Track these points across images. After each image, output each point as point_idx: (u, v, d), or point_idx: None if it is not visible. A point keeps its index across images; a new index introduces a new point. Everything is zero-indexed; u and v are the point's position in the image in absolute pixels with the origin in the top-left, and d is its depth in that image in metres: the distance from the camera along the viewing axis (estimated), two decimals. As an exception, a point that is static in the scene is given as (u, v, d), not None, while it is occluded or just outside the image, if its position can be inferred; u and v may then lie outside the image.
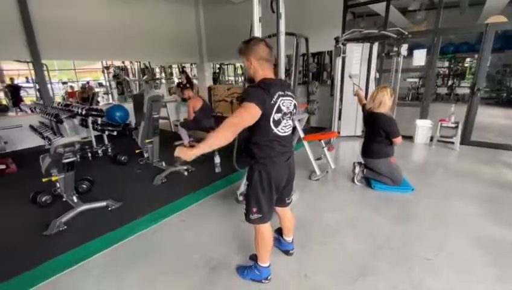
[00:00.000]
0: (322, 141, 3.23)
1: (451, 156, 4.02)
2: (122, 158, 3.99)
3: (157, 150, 3.79)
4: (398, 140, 2.75)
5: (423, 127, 4.46)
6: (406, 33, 4.05)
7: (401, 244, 2.02)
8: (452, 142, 4.25)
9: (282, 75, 2.50)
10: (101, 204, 2.66)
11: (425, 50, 4.41)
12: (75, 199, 2.66)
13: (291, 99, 1.46)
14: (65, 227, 2.34)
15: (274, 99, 1.33)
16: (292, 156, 1.58)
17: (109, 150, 4.46)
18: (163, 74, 11.44)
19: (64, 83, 12.46)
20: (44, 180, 2.57)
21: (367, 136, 3.00)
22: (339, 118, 4.98)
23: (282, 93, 1.39)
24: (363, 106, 3.02)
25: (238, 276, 1.74)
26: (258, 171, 1.44)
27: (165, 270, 1.84)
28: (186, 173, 3.55)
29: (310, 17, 5.66)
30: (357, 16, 8.93)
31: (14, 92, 8.71)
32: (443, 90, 10.27)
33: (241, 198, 2.69)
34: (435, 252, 1.91)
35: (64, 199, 2.70)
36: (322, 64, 7.30)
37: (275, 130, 1.39)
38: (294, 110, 1.50)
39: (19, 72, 10.77)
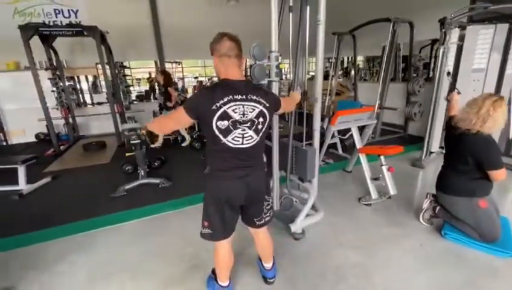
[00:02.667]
0: (382, 157, 2.51)
1: None
2: (196, 144, 4.58)
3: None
4: (499, 174, 1.75)
5: None
6: None
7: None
8: None
9: (320, 74, 2.11)
10: (156, 181, 3.19)
11: None
12: (142, 172, 3.31)
13: (256, 105, 1.21)
14: (125, 193, 2.97)
15: (218, 104, 1.14)
16: (256, 173, 1.33)
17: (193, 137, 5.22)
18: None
19: (195, 77, 15.42)
20: (127, 154, 3.35)
21: (445, 159, 2.10)
22: (444, 129, 3.69)
23: (241, 97, 1.18)
24: (450, 118, 2.11)
25: (206, 283, 1.68)
26: (209, 184, 1.32)
27: (158, 252, 2.03)
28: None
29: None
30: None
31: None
32: None
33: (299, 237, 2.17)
34: None
35: (139, 171, 3.43)
36: (435, 56, 5.52)
37: (224, 140, 1.19)
38: (261, 119, 1.24)
39: (169, 69, 14.27)
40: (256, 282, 1.69)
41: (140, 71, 12.31)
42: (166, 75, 4.69)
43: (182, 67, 11.47)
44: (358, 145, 2.78)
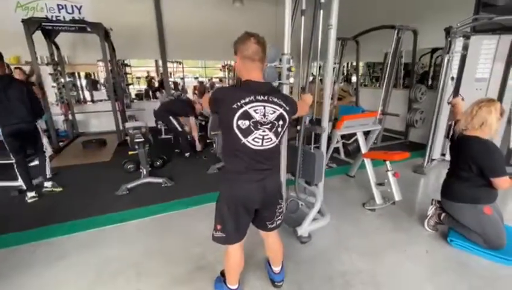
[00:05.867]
0: (388, 163, 2.52)
1: None
2: (199, 145, 4.56)
3: (221, 142, 4.09)
4: (501, 182, 1.77)
5: None
6: None
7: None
8: None
9: (329, 78, 2.12)
10: (158, 180, 3.17)
11: None
12: (145, 171, 3.28)
13: (277, 107, 1.21)
14: (127, 192, 2.94)
15: (239, 103, 1.14)
16: (273, 177, 1.33)
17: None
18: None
19: (196, 78, 15.39)
20: (130, 153, 3.32)
21: (450, 167, 2.11)
22: (447, 136, 3.72)
23: (262, 98, 1.18)
24: (455, 123, 2.13)
25: (213, 284, 1.66)
26: (224, 187, 1.30)
27: (165, 252, 2.00)
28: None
29: (423, 5, 4.45)
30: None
31: (161, 83, 11.59)
32: None
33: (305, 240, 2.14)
34: None
35: (141, 170, 3.39)
36: (434, 64, 5.60)
37: (244, 140, 1.18)
38: (281, 122, 1.23)
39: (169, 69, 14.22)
40: (263, 285, 1.68)
41: (140, 70, 12.28)
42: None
43: (183, 67, 11.45)
44: (364, 150, 2.79)
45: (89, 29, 4.47)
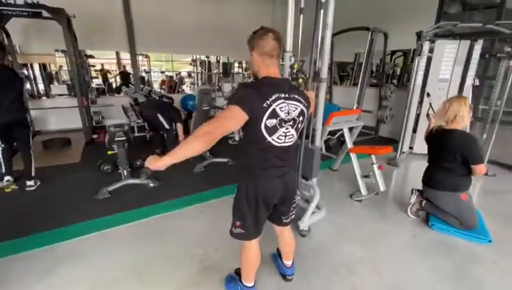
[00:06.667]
0: (373, 156, 2.70)
1: None
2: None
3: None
4: (481, 169, 2.03)
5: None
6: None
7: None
8: None
9: (325, 76, 2.19)
10: (143, 181, 2.98)
11: None
12: (125, 172, 3.05)
13: (298, 104, 1.21)
14: (109, 195, 2.71)
15: (268, 101, 1.12)
16: (291, 173, 1.34)
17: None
18: (239, 69, 12.04)
19: (162, 72, 14.63)
20: (109, 153, 3.05)
21: (431, 159, 2.35)
22: (414, 131, 4.12)
23: (285, 95, 1.17)
24: (430, 132, 2.35)
25: (223, 284, 1.63)
26: (245, 184, 1.27)
27: (165, 255, 1.90)
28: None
29: (392, 8, 4.81)
30: (470, 8, 7.11)
31: (125, 77, 10.79)
32: None
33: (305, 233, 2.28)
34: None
35: (119, 171, 3.15)
36: (405, 65, 6.15)
37: (269, 138, 1.17)
38: (301, 118, 1.25)
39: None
40: (274, 280, 1.70)
41: (100, 62, 11.29)
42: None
43: (149, 61, 10.83)
44: (350, 145, 2.95)
45: (47, 15, 3.98)
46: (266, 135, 1.16)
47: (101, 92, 8.08)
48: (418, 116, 3.96)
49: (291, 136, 1.23)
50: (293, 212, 1.49)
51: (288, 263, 1.65)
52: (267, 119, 1.13)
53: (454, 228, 2.16)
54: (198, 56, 12.05)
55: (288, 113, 1.18)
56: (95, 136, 4.92)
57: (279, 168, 1.26)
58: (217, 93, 5.98)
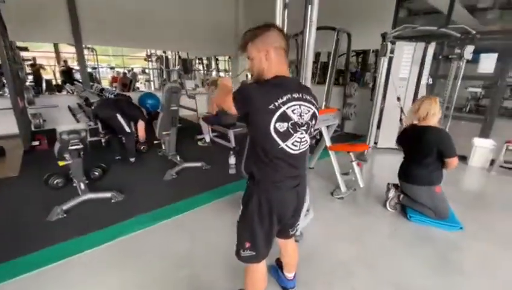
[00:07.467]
0: (352, 154, 2.76)
1: (517, 188, 3.25)
2: (141, 147, 3.96)
3: (173, 143, 3.66)
4: (454, 162, 2.20)
5: (483, 148, 3.69)
6: (474, 32, 3.32)
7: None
8: (520, 171, 3.44)
9: (309, 75, 2.13)
10: (105, 195, 2.58)
11: (496, 55, 3.60)
12: (82, 186, 2.61)
13: (310, 106, 1.09)
14: (64, 215, 2.28)
15: (277, 102, 0.99)
16: (304, 182, 1.23)
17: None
18: (200, 66, 11.56)
19: (111, 68, 13.28)
20: (61, 164, 2.56)
21: (408, 156, 2.47)
22: (378, 127, 4.38)
23: (297, 96, 1.05)
24: (404, 131, 2.49)
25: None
26: (257, 198, 1.11)
27: (144, 284, 1.64)
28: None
29: (354, 10, 5.04)
30: (413, 13, 7.92)
31: (67, 73, 9.46)
32: (509, 104, 8.70)
33: None
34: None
35: (74, 184, 2.69)
36: (366, 64, 6.59)
37: (282, 145, 1.04)
38: (314, 122, 1.13)
39: (74, 55, 11.73)
40: (274, 295, 1.59)
41: (34, 55, 9.73)
42: None
43: (97, 55, 9.74)
44: (328, 143, 2.97)
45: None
46: (279, 141, 1.03)
47: (37, 92, 6.95)
48: (381, 110, 4.21)
49: (305, 142, 1.11)
50: (298, 223, 1.39)
51: (290, 275, 1.55)
52: (276, 122, 1.00)
53: (430, 219, 2.31)
54: (153, 51, 11.24)
55: (300, 116, 1.06)
56: (35, 143, 4.18)
57: (294, 178, 1.14)
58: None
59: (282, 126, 1.02)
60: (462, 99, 8.58)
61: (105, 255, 1.89)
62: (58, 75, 10.05)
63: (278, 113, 0.99)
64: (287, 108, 1.01)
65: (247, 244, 1.16)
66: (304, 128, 1.08)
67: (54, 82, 9.49)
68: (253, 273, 1.25)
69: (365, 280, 1.71)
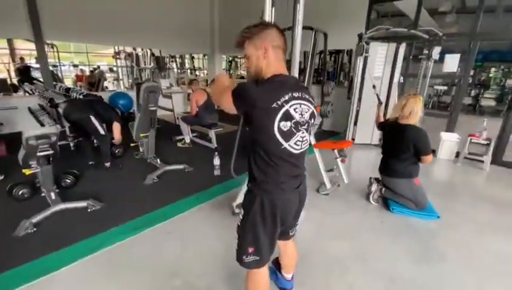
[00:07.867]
0: (336, 151, 2.83)
1: (481, 177, 3.56)
2: (116, 151, 3.71)
3: (153, 145, 3.48)
4: (429, 158, 2.35)
5: (449, 142, 3.99)
6: (441, 34, 3.57)
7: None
8: (481, 161, 3.78)
9: (296, 73, 2.15)
10: (80, 204, 2.37)
11: (459, 55, 3.91)
12: (53, 195, 2.38)
13: (309, 105, 1.07)
14: (34, 229, 2.05)
15: (280, 101, 0.96)
16: (305, 181, 1.21)
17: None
18: (173, 64, 11.16)
19: (75, 66, 12.32)
20: (27, 173, 2.29)
21: (387, 151, 2.59)
22: (355, 123, 4.56)
23: (297, 95, 1.02)
24: (381, 124, 2.62)
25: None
26: (260, 201, 1.07)
27: (135, 299, 1.53)
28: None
29: (329, 11, 5.18)
30: (381, 15, 8.37)
31: (25, 72, 8.58)
32: (466, 101, 9.58)
33: (237, 210, 2.35)
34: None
35: (43, 194, 2.44)
36: (341, 63, 6.82)
37: (285, 145, 1.01)
38: (313, 120, 1.11)
39: (31, 52, 10.68)
40: (274, 296, 1.57)
41: (-17, 52, 8.71)
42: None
43: (58, 52, 8.99)
44: (313, 141, 3.01)
45: None
46: (282, 141, 1.00)
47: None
48: (357, 112, 4.39)
49: (306, 142, 1.10)
50: (298, 223, 1.38)
51: (289, 276, 1.54)
52: (280, 121, 0.98)
53: (411, 210, 2.44)
54: (122, 48, 10.62)
55: (301, 114, 1.04)
56: (-10, 149, 3.74)
57: (296, 177, 1.13)
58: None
59: (286, 125, 0.99)
60: (426, 97, 9.27)
61: (86, 270, 1.73)
62: (13, 73, 9.10)
63: (281, 112, 0.97)
64: (289, 106, 0.99)
65: (251, 249, 1.12)
66: (305, 127, 1.07)
67: (8, 81, 8.57)
68: (256, 278, 1.21)
69: (361, 275, 1.76)
